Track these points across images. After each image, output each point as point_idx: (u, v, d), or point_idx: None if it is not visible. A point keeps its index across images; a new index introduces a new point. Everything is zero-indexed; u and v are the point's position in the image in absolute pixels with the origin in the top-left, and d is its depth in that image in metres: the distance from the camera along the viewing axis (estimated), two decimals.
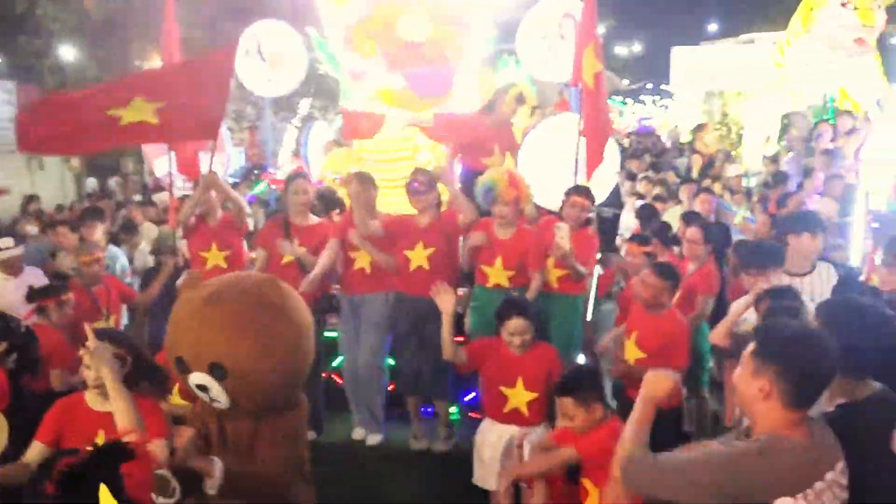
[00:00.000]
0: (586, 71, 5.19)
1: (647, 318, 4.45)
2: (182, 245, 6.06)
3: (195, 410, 3.10)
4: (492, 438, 4.26)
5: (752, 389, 2.25)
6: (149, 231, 7.59)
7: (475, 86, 6.91)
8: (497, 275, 5.14)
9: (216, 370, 2.76)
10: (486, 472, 4.22)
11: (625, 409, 4.10)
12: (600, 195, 5.91)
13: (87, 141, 5.24)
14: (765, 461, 2.19)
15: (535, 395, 4.17)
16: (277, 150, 10.74)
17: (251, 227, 6.29)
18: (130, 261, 6.98)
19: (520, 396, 4.17)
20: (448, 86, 6.07)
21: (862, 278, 5.84)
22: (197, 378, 2.79)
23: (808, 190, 7.94)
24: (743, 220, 7.11)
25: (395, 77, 6.10)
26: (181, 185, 6.59)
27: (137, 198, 13.63)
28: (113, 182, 15.68)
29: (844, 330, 2.52)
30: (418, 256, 5.20)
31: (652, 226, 6.17)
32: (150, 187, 12.83)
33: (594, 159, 5.45)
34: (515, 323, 4.14)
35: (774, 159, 10.62)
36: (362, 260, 5.36)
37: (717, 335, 4.27)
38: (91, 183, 16.36)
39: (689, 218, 5.95)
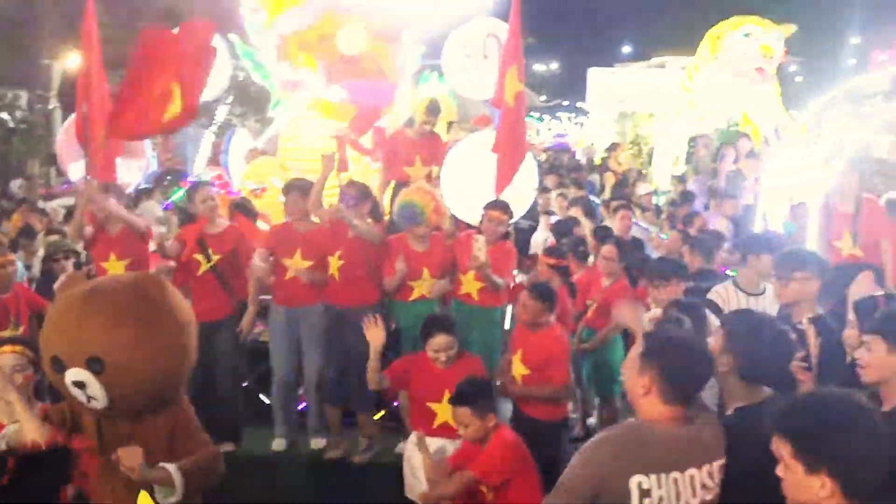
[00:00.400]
0: (508, 91, 5.36)
1: (529, 336, 4.58)
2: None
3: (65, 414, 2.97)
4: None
5: (636, 386, 2.54)
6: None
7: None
8: (423, 287, 5.26)
9: (94, 364, 2.70)
10: (417, 484, 4.23)
11: (518, 423, 4.35)
12: (519, 210, 6.11)
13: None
14: (609, 445, 2.48)
15: None
16: (194, 157, 10.55)
17: (164, 231, 6.13)
18: (28, 268, 6.74)
19: (448, 410, 4.09)
20: (390, 98, 6.14)
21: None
22: (73, 374, 2.71)
23: (714, 210, 8.39)
24: (655, 237, 7.44)
25: (333, 89, 6.14)
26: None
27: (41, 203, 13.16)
28: (15, 185, 15.03)
29: (744, 341, 2.74)
30: (333, 265, 5.25)
31: (568, 241, 6.37)
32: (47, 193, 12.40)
33: (505, 177, 5.60)
34: (440, 340, 4.17)
35: (682, 179, 11.16)
36: (295, 266, 5.28)
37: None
38: None
39: (603, 235, 6.18)
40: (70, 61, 14.14)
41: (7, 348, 3.39)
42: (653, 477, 2.41)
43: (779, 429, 2.07)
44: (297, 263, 5.22)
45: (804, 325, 3.17)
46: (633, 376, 2.56)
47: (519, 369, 4.60)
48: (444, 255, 5.38)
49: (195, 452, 2.89)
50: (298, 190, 5.34)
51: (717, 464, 2.52)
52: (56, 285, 3.97)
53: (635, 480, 2.40)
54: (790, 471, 2.02)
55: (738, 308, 4.16)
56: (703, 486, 2.48)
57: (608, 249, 5.54)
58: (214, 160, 10.66)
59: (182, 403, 3.01)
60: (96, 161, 5.72)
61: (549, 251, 6.09)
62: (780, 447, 2.05)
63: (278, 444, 5.41)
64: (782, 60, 9.82)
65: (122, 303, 2.82)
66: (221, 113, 13.01)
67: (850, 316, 3.41)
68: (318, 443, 5.44)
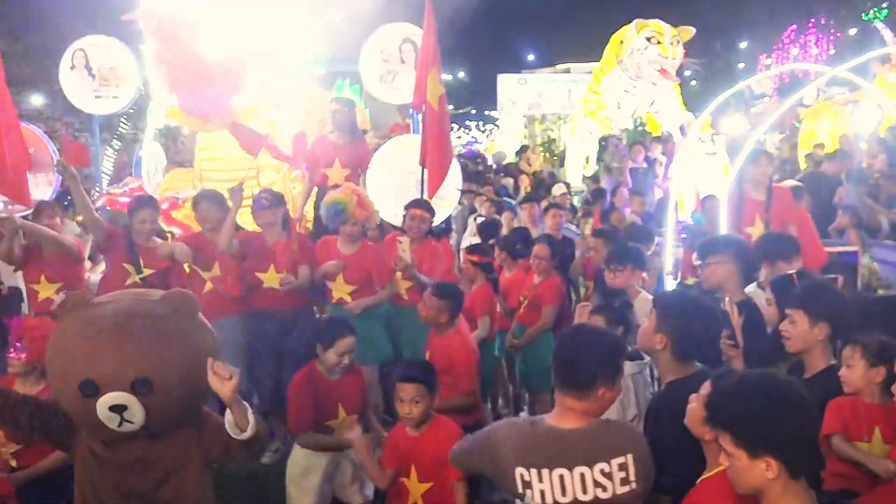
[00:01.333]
0: (431, 93, 5.44)
1: (435, 338, 4.52)
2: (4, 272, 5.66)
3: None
4: None
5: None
6: None
7: (305, 107, 7.01)
8: (339, 289, 5.23)
9: (140, 385, 2.57)
10: (302, 497, 4.16)
11: None
12: (444, 211, 6.19)
13: None
14: (509, 430, 2.64)
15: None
16: (92, 173, 10.10)
17: (87, 251, 5.89)
18: None
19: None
20: (218, 108, 5.87)
21: (677, 281, 6.56)
22: (114, 398, 2.54)
23: (618, 205, 8.72)
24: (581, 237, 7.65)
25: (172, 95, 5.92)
26: (1, 208, 6.10)
27: None
28: None
29: (677, 318, 2.88)
30: (271, 279, 5.15)
31: (497, 239, 6.48)
32: None
33: (436, 178, 5.70)
34: (348, 341, 4.03)
35: (595, 178, 11.54)
36: (213, 274, 5.18)
37: None
38: None
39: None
40: None
41: None
42: (533, 471, 2.49)
43: (715, 422, 2.14)
44: (213, 273, 5.14)
45: (727, 306, 3.35)
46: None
47: None
48: (367, 262, 5.27)
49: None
50: (208, 200, 5.24)
51: (617, 461, 2.50)
52: (54, 307, 3.81)
53: (518, 471, 2.51)
54: (734, 458, 2.07)
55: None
56: (597, 484, 2.48)
57: (540, 248, 5.65)
58: (117, 175, 10.32)
59: (205, 421, 2.88)
60: (4, 176, 5.48)
61: (472, 249, 6.14)
62: (720, 438, 2.10)
63: None
64: (682, 62, 10.32)
65: (165, 321, 2.70)
66: (126, 127, 12.63)
67: (767, 294, 3.64)
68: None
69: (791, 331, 3.14)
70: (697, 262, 4.04)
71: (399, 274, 5.30)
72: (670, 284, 6.69)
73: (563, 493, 2.48)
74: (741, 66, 28.16)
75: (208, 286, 5.13)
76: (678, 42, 10.21)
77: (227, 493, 3.40)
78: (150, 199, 5.66)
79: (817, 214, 6.71)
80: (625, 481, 2.50)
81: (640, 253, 5.02)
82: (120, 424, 2.59)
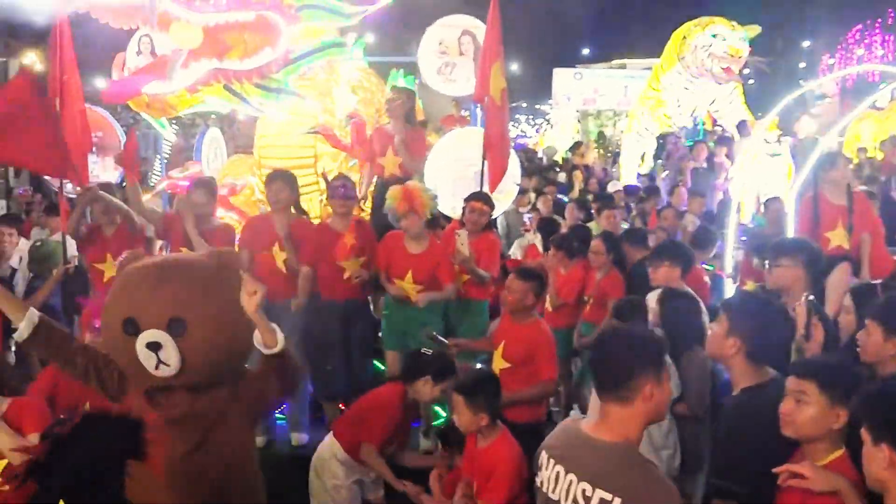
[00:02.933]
0: (494, 87, 5.40)
1: (512, 328, 4.49)
2: (72, 249, 5.80)
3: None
4: None
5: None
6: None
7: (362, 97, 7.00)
8: (406, 286, 5.19)
9: (176, 325, 2.65)
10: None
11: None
12: (502, 205, 6.15)
13: None
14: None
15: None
16: (150, 156, 10.29)
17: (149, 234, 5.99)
18: None
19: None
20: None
21: (736, 284, 6.43)
22: (151, 336, 2.64)
23: (675, 204, 8.55)
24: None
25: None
26: (71, 189, 6.25)
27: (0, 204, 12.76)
28: None
29: (751, 322, 2.81)
30: (352, 266, 5.18)
31: (553, 238, 6.40)
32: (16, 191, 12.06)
33: (497, 172, 5.66)
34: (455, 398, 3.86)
35: (651, 177, 11.36)
36: (279, 261, 5.19)
37: None
38: None
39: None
40: (27, 59, 13.76)
41: None
42: (547, 457, 2.45)
43: (865, 417, 2.14)
44: (278, 257, 5.16)
45: (797, 308, 3.26)
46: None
47: (499, 363, 4.51)
48: (434, 260, 5.22)
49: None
50: (281, 181, 5.27)
51: (601, 495, 2.20)
52: (118, 262, 3.97)
53: (542, 452, 2.49)
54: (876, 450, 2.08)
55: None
56: (574, 500, 2.27)
57: (596, 244, 5.60)
58: (174, 160, 10.49)
59: (245, 380, 2.92)
60: (70, 160, 5.60)
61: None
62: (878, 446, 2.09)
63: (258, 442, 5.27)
64: (746, 60, 10.07)
65: (206, 269, 2.82)
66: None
67: (846, 301, 3.55)
68: (298, 438, 5.33)
69: (865, 340, 3.04)
70: (761, 263, 3.98)
71: (457, 267, 5.28)
72: (730, 288, 6.56)
73: (554, 490, 2.38)
74: (802, 65, 27.46)
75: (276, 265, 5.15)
76: (744, 40, 9.97)
77: None
78: (205, 181, 5.70)
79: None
80: None
81: (681, 250, 4.95)
82: (157, 367, 2.67)
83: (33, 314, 2.85)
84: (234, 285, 2.77)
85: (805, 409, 2.42)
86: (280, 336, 2.78)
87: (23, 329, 2.85)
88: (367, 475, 4.10)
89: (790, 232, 5.51)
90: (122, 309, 2.73)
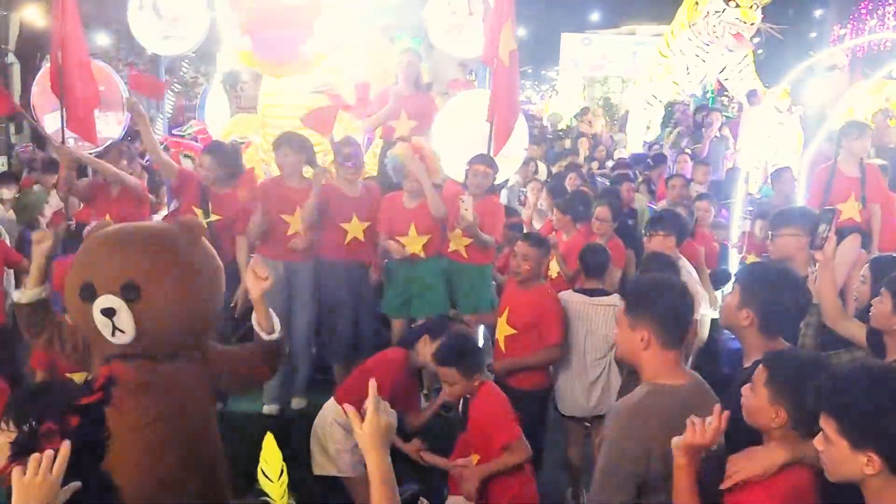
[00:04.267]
0: (503, 48, 5.28)
1: (518, 294, 4.55)
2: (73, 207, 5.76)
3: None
4: None
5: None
6: None
7: (367, 57, 6.90)
8: (412, 243, 5.19)
9: (129, 291, 2.65)
10: (325, 462, 4.18)
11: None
12: (509, 169, 6.07)
13: None
14: (649, 415, 2.45)
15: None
16: (153, 115, 10.18)
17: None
18: None
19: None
20: (293, 53, 5.75)
21: (742, 255, 6.39)
22: (105, 301, 2.65)
23: (682, 171, 8.46)
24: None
25: (245, 39, 5.85)
26: (72, 145, 6.16)
27: (1, 160, 12.68)
28: None
29: (765, 291, 2.77)
30: (355, 229, 5.16)
31: (560, 202, 6.36)
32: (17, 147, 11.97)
33: (502, 136, 5.57)
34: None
35: (652, 146, 11.24)
36: (295, 224, 5.14)
37: None
38: None
39: (601, 197, 6.21)
40: (28, 13, 13.53)
41: None
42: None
43: (826, 406, 2.03)
44: (297, 221, 5.10)
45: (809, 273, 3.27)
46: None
47: (503, 330, 4.55)
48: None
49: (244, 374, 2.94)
50: (287, 145, 5.20)
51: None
52: (86, 231, 3.96)
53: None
54: (833, 446, 1.99)
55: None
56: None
57: (602, 210, 5.57)
58: (175, 119, 10.38)
59: (208, 352, 2.94)
60: (75, 113, 5.53)
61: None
62: (826, 423, 2.02)
63: (270, 409, 5.20)
64: (760, 27, 9.88)
65: (163, 236, 2.80)
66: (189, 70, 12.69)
67: (864, 271, 3.54)
68: (300, 402, 5.29)
69: (877, 307, 3.08)
70: (765, 232, 3.97)
71: (458, 231, 5.23)
72: (734, 259, 6.52)
73: None
74: (813, 35, 27.04)
75: (292, 229, 5.10)
76: (757, 6, 9.78)
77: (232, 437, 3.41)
78: (215, 146, 5.64)
79: None
80: None
81: (676, 220, 4.99)
82: (113, 334, 2.68)
83: (44, 290, 2.98)
84: (194, 254, 2.81)
85: (749, 398, 2.39)
86: (277, 323, 2.84)
87: (26, 295, 2.95)
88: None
89: (799, 202, 5.44)
90: (80, 274, 2.75)
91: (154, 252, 2.74)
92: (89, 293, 2.68)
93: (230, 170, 5.28)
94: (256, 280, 2.77)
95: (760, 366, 2.41)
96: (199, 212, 5.18)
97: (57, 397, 2.11)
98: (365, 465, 3.95)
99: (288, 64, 5.77)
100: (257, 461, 2.40)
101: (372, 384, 2.04)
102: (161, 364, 2.79)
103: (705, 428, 2.22)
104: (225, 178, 5.29)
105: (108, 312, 2.66)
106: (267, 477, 2.23)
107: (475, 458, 3.56)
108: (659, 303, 2.56)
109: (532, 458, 3.58)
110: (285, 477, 2.23)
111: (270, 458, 2.25)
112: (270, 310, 2.87)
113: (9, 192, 6.79)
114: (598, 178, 8.95)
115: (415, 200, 5.21)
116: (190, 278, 2.75)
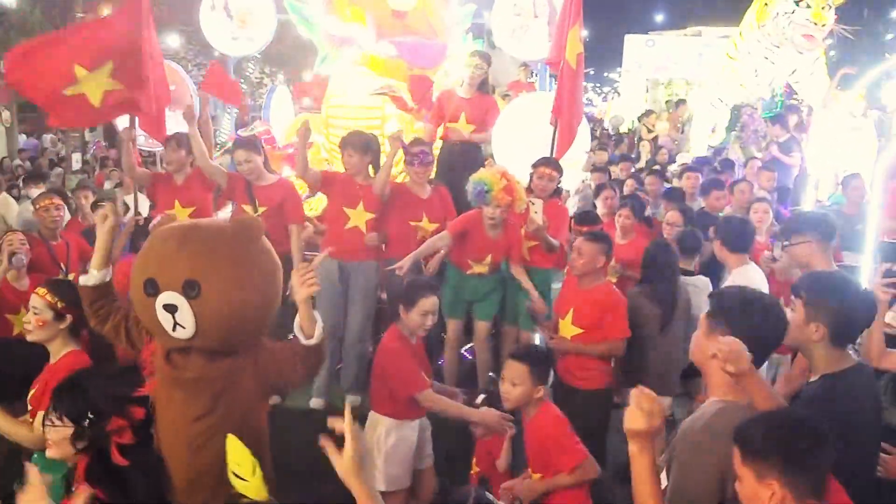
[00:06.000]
0: (570, 51, 5.27)
1: (581, 293, 4.49)
2: (143, 203, 5.93)
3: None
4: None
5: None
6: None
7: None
8: (482, 268, 5.22)
9: (190, 288, 2.70)
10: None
11: (559, 395, 4.36)
12: (572, 173, 6.03)
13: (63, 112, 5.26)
14: (709, 442, 2.33)
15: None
16: (218, 115, 10.45)
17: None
18: None
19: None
20: (441, 57, 6.04)
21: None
22: (167, 297, 2.71)
23: (748, 178, 8.25)
24: None
25: (382, 45, 6.05)
26: (143, 142, 6.37)
27: (76, 157, 13.15)
28: (48, 139, 15.09)
29: (833, 303, 2.68)
30: (425, 229, 5.27)
31: (626, 199, 6.29)
32: (91, 144, 12.42)
33: (566, 139, 5.54)
34: (432, 300, 3.96)
35: (720, 151, 10.99)
36: (355, 218, 5.20)
37: None
38: (23, 139, 15.66)
39: (671, 201, 6.19)
40: (105, 14, 14.02)
41: (40, 290, 3.44)
42: None
43: (745, 449, 2.02)
44: (359, 215, 5.16)
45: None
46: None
47: (568, 331, 4.50)
48: (510, 243, 5.23)
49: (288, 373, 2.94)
50: (352, 147, 5.24)
51: None
52: (151, 225, 4.08)
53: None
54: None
55: None
56: None
57: (673, 215, 5.53)
58: (241, 119, 10.61)
59: (262, 350, 2.97)
60: (148, 109, 5.71)
61: (580, 219, 5.95)
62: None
63: (316, 403, 5.29)
64: (833, 28, 9.56)
65: (224, 234, 2.84)
66: (255, 70, 12.96)
67: None
68: (354, 400, 5.26)
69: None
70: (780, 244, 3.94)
71: (523, 233, 5.23)
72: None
73: None
74: (889, 37, 26.06)
75: (351, 223, 5.17)
76: (829, 7, 9.47)
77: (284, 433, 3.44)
78: (245, 140, 5.71)
79: None
80: None
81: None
82: (174, 329, 2.74)
83: (108, 273, 3.07)
84: (253, 253, 2.84)
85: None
86: (320, 328, 2.84)
87: (92, 278, 3.04)
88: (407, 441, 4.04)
89: (871, 211, 5.24)
90: (144, 270, 2.80)
91: (214, 251, 2.78)
92: (153, 288, 2.74)
93: (263, 157, 5.39)
94: (303, 283, 2.79)
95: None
96: (247, 209, 5.29)
97: (105, 389, 2.15)
98: (395, 480, 3.98)
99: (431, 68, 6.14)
100: (305, 457, 2.45)
101: (347, 410, 2.04)
102: (217, 360, 2.85)
103: (642, 412, 2.18)
104: (263, 167, 5.39)
105: (170, 308, 2.72)
106: (240, 477, 2.24)
107: (535, 476, 3.49)
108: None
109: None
110: (259, 471, 2.24)
111: (239, 458, 2.26)
112: (315, 312, 2.88)
113: (37, 191, 7.01)
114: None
115: (496, 231, 5.16)
116: (248, 277, 2.79)
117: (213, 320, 2.74)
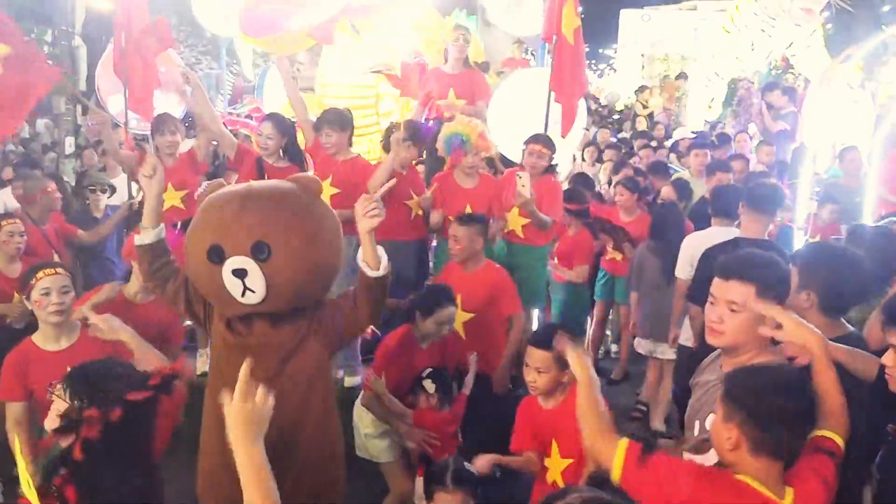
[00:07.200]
0: (567, 25, 5.19)
1: (465, 278, 4.42)
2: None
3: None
4: None
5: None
6: None
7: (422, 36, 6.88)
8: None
9: (260, 250, 2.63)
10: (366, 443, 4.12)
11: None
12: (566, 150, 5.99)
13: None
14: None
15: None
16: (212, 96, 10.37)
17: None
18: None
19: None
20: (276, 27, 5.58)
21: (807, 237, 6.18)
22: (237, 262, 2.63)
23: (741, 151, 8.24)
24: None
25: None
26: (135, 125, 6.31)
27: (69, 140, 13.06)
28: (41, 124, 14.98)
29: (823, 272, 2.69)
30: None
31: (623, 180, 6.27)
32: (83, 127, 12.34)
33: (569, 115, 5.47)
34: (450, 311, 3.94)
35: (715, 125, 10.93)
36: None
37: None
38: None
39: (656, 174, 6.24)
40: None
41: (49, 270, 3.38)
42: None
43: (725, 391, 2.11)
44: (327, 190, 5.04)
45: None
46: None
47: (459, 317, 4.29)
48: (490, 193, 5.21)
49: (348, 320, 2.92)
50: (329, 125, 5.09)
51: None
52: (197, 194, 4.19)
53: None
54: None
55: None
56: None
57: (668, 190, 5.53)
58: (233, 100, 10.54)
59: (324, 301, 2.94)
60: (135, 90, 5.67)
61: (567, 196, 5.85)
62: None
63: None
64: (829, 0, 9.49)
65: (288, 194, 2.79)
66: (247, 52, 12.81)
67: None
68: (350, 381, 5.15)
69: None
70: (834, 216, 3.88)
71: (516, 210, 5.16)
72: (800, 239, 6.31)
73: None
74: (886, 9, 25.86)
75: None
76: None
77: None
78: (275, 115, 5.55)
79: None
80: None
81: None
82: (243, 294, 2.66)
83: (162, 230, 2.94)
84: (317, 211, 2.79)
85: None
86: (385, 260, 2.79)
87: (147, 236, 2.91)
88: (396, 431, 3.93)
89: (869, 184, 5.22)
90: (206, 237, 2.72)
91: (281, 211, 2.71)
92: (218, 256, 2.66)
93: (289, 140, 5.23)
94: (366, 213, 2.71)
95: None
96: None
97: (112, 384, 2.11)
98: (398, 451, 3.92)
99: (272, 38, 5.71)
100: None
101: (244, 366, 1.94)
102: (281, 324, 2.80)
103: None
104: (284, 148, 5.26)
105: (240, 273, 2.64)
106: (28, 486, 2.02)
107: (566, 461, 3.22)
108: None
109: None
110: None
111: (22, 465, 2.07)
112: (379, 246, 2.80)
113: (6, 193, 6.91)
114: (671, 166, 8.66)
115: (471, 181, 5.17)
116: (315, 235, 2.73)
117: (284, 281, 2.68)
